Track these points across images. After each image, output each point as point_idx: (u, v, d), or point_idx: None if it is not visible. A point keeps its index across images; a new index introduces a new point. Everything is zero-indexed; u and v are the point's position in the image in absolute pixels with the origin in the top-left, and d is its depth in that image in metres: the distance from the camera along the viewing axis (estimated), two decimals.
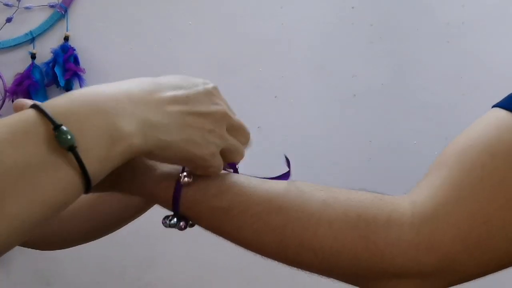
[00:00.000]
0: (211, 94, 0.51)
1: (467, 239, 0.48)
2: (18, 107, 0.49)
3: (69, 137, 0.39)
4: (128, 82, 0.47)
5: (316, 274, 0.53)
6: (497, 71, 1.38)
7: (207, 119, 0.49)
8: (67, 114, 0.40)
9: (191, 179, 0.51)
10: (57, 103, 0.41)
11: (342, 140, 1.40)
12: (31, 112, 0.40)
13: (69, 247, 0.77)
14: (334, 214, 0.50)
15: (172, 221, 0.52)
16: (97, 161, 0.41)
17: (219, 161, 0.51)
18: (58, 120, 0.39)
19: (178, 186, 0.51)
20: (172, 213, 0.52)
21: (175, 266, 1.41)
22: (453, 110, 1.38)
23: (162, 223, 0.52)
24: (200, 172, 0.51)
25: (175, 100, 0.48)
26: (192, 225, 0.54)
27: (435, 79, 1.39)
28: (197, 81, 0.51)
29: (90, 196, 0.71)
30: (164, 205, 0.53)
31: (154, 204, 0.71)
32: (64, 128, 0.39)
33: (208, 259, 1.39)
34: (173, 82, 0.49)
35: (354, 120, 1.40)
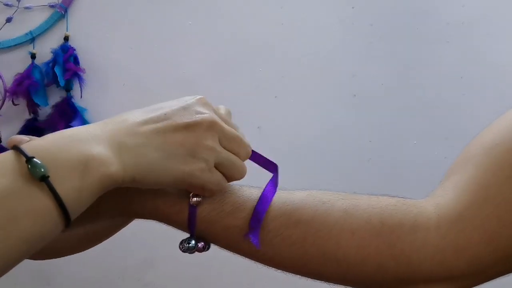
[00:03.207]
0: (194, 105, 0.48)
1: (495, 240, 0.47)
2: (10, 143, 0.49)
3: (41, 168, 0.39)
4: (106, 120, 0.47)
5: (340, 286, 0.51)
6: (497, 71, 1.38)
7: (190, 132, 0.46)
8: (41, 149, 0.41)
9: (200, 198, 0.49)
10: (36, 142, 0.43)
11: (342, 140, 1.40)
12: (11, 152, 0.41)
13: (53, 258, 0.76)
14: (356, 223, 0.48)
15: (190, 244, 0.50)
16: (72, 190, 0.41)
17: (216, 177, 0.48)
18: (30, 154, 0.40)
19: (192, 207, 0.49)
20: (187, 235, 0.51)
21: (175, 266, 1.41)
22: (453, 110, 1.38)
23: (180, 248, 0.51)
24: (199, 192, 0.49)
25: (149, 120, 0.46)
26: (209, 247, 0.52)
27: (435, 79, 1.39)
28: (184, 98, 0.49)
29: None
30: (179, 227, 0.51)
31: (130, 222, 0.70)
32: (35, 160, 0.40)
33: (208, 259, 1.39)
34: (152, 106, 0.48)
35: (354, 120, 1.40)
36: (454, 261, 0.47)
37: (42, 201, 0.39)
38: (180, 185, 0.47)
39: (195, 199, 0.50)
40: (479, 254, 0.47)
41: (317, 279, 0.51)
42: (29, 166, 0.40)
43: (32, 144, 0.42)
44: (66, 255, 0.70)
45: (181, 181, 0.46)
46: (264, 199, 0.50)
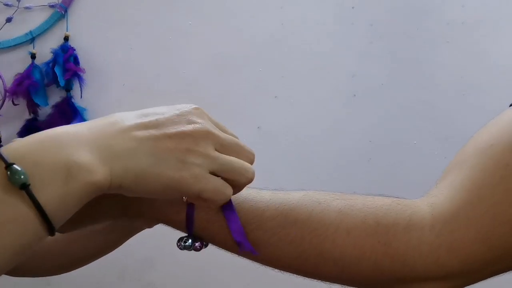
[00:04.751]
0: (188, 114, 0.46)
1: (489, 240, 0.47)
2: None
3: (21, 175, 0.37)
4: (96, 119, 0.44)
5: (337, 284, 0.52)
6: (497, 71, 1.38)
7: (183, 139, 0.44)
8: (23, 152, 0.39)
9: None
10: (17, 143, 0.40)
11: (342, 140, 1.40)
12: None
13: (43, 276, 0.77)
14: (352, 223, 0.49)
15: (187, 243, 0.51)
16: (54, 198, 0.39)
17: (213, 184, 0.45)
18: (10, 159, 0.38)
19: (190, 208, 0.50)
20: (185, 234, 0.51)
21: (175, 266, 1.41)
22: (453, 110, 1.38)
23: (177, 245, 0.51)
24: (199, 202, 0.47)
25: (142, 126, 0.44)
26: (206, 245, 0.52)
27: (435, 79, 1.39)
28: (179, 106, 0.47)
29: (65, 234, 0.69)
30: (178, 227, 0.52)
31: (130, 237, 0.70)
32: (15, 166, 0.38)
33: (208, 259, 1.39)
34: (145, 111, 0.46)
35: (354, 120, 1.40)
36: (448, 259, 0.47)
37: (22, 210, 0.37)
38: (171, 194, 0.45)
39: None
40: (473, 253, 0.47)
41: (314, 278, 0.52)
42: (9, 173, 0.37)
43: (12, 146, 0.40)
44: (78, 267, 0.71)
45: (172, 189, 0.44)
46: (229, 214, 0.49)
